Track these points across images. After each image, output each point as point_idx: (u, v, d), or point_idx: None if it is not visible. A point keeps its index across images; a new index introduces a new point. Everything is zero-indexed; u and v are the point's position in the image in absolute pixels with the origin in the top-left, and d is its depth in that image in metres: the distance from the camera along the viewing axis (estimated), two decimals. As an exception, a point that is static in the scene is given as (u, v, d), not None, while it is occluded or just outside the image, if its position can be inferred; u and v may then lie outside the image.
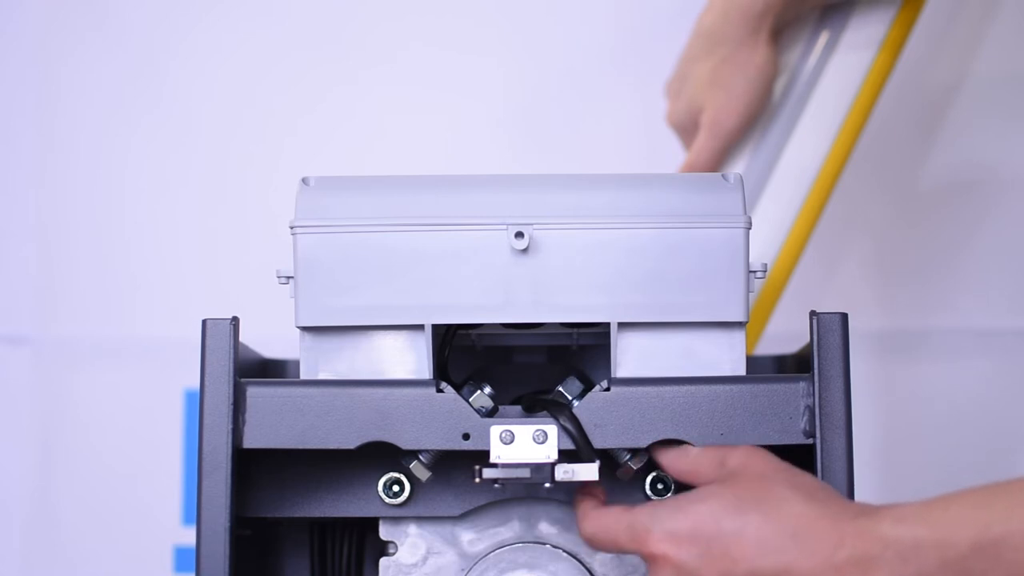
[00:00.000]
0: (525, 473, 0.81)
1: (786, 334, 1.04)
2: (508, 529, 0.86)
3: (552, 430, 0.80)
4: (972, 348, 1.29)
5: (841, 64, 1.09)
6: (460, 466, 0.84)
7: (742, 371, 0.83)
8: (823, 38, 1.09)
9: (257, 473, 0.85)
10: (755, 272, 0.83)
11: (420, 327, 0.83)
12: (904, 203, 1.31)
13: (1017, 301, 1.29)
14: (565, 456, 0.80)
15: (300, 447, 0.81)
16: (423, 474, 0.83)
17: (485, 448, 0.80)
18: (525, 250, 0.82)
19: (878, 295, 1.30)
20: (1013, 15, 1.29)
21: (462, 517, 0.86)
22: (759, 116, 1.09)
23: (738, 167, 1.09)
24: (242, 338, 0.83)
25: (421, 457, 0.83)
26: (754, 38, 1.07)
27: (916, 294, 1.30)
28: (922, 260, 1.30)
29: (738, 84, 1.07)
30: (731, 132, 1.08)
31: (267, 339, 0.95)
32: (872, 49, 1.09)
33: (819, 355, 0.81)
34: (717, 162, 1.10)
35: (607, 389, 0.81)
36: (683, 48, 1.13)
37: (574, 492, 0.83)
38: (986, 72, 1.30)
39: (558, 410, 0.81)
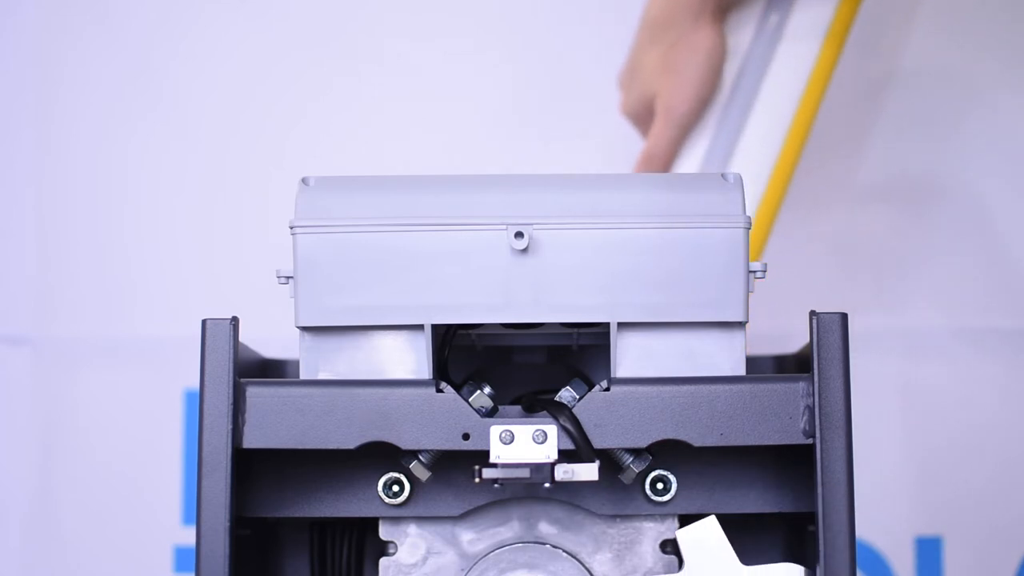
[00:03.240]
0: (525, 473, 0.81)
1: (786, 334, 1.04)
2: (508, 529, 0.86)
3: (552, 430, 0.80)
4: (972, 348, 1.29)
5: (790, 49, 1.10)
6: (460, 466, 0.84)
7: (742, 371, 0.83)
8: (772, 21, 1.10)
9: (257, 473, 0.85)
10: (755, 272, 0.83)
11: (420, 327, 0.83)
12: (903, 203, 1.31)
13: (1017, 301, 1.30)
14: (565, 456, 0.80)
15: (300, 447, 0.81)
16: (423, 474, 0.83)
17: (485, 448, 0.80)
18: (525, 250, 0.82)
19: (878, 295, 1.30)
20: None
21: (462, 517, 0.86)
22: (712, 99, 1.10)
23: (696, 152, 1.10)
24: (242, 338, 0.83)
25: (421, 457, 0.83)
26: (699, 22, 1.08)
27: (917, 294, 1.30)
28: (922, 259, 1.30)
29: (688, 68, 1.09)
30: (685, 116, 1.10)
31: (267, 339, 0.95)
32: (821, 32, 1.10)
33: (819, 355, 0.81)
34: (675, 148, 1.11)
35: (607, 389, 0.81)
36: (632, 40, 1.14)
37: None
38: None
39: (558, 410, 0.81)
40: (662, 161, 1.12)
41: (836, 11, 1.10)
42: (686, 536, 0.81)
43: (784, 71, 1.10)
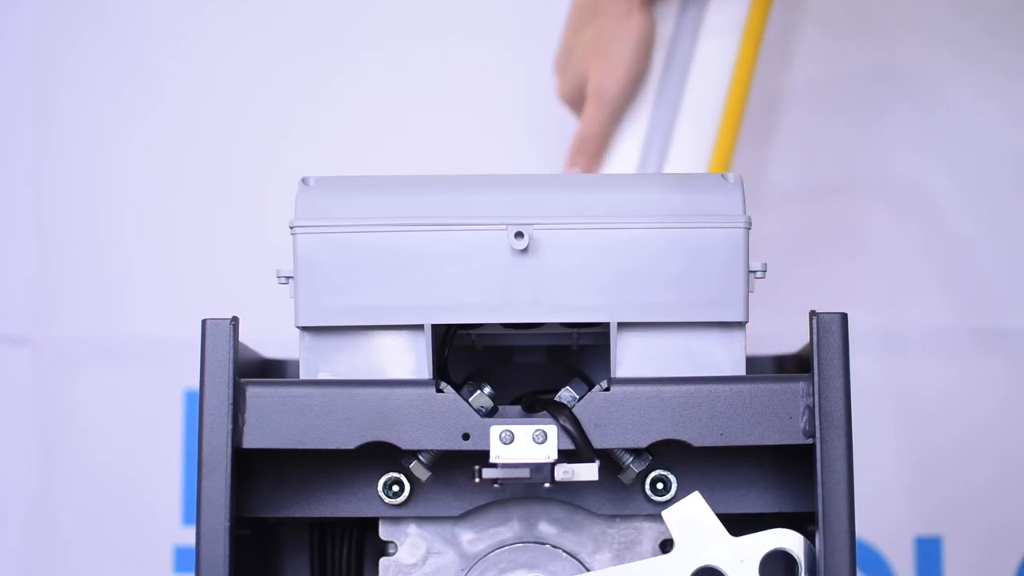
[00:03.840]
0: (525, 473, 0.81)
1: (786, 334, 1.04)
2: (508, 529, 0.86)
3: (552, 430, 0.80)
4: (972, 348, 1.29)
5: (710, 40, 1.11)
6: (460, 466, 0.84)
7: (742, 371, 0.83)
8: (691, 14, 1.12)
9: (257, 473, 0.85)
10: (755, 272, 0.83)
11: (420, 327, 0.83)
12: (903, 202, 1.31)
13: (1017, 300, 1.30)
14: (565, 456, 0.80)
15: (300, 447, 0.81)
16: (423, 474, 0.83)
17: (485, 448, 0.80)
18: (525, 250, 0.82)
19: (878, 295, 1.30)
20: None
21: (462, 517, 0.86)
22: (642, 81, 1.11)
23: (634, 138, 1.11)
24: (242, 338, 0.83)
25: (421, 457, 0.83)
26: (629, 5, 1.09)
27: (916, 293, 1.30)
28: (922, 259, 1.30)
29: (618, 50, 1.10)
30: (616, 98, 1.11)
31: (267, 339, 0.95)
32: (738, 25, 1.11)
33: (819, 355, 0.81)
34: (607, 130, 1.12)
35: (607, 389, 0.81)
36: (564, 24, 1.16)
37: None
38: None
39: (558, 410, 0.81)
40: (596, 143, 1.13)
41: (749, 8, 1.12)
42: (672, 515, 0.81)
43: (708, 62, 1.11)
